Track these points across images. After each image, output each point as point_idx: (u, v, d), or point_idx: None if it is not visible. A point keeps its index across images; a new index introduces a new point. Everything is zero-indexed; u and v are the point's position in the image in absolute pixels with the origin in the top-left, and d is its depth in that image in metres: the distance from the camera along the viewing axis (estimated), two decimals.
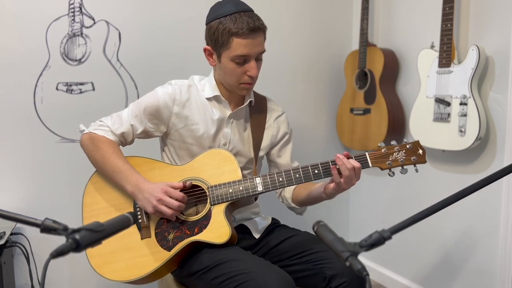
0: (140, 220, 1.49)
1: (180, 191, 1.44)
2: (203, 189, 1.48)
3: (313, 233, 0.94)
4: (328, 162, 1.42)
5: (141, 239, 1.48)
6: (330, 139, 2.73)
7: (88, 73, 2.16)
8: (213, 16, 1.46)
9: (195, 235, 1.44)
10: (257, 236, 1.61)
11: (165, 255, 1.45)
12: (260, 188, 1.45)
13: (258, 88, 1.65)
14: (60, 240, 0.75)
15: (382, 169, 1.43)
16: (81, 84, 2.16)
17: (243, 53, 1.43)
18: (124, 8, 2.20)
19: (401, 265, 2.51)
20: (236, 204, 1.51)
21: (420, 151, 1.43)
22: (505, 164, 1.90)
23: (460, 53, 2.04)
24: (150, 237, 1.47)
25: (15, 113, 2.08)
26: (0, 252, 1.83)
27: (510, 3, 1.86)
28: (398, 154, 1.42)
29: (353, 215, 2.82)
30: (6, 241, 1.84)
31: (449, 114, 1.99)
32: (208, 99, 1.57)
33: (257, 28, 1.43)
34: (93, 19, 2.16)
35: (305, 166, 1.43)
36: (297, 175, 1.43)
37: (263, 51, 1.49)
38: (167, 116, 1.54)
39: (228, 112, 1.58)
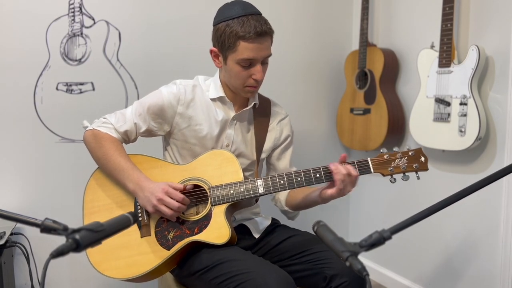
0: (140, 219, 1.49)
1: (181, 192, 1.44)
2: (204, 189, 1.48)
3: (313, 233, 0.94)
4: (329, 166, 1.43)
5: (141, 237, 1.48)
6: (330, 139, 2.73)
7: (88, 73, 2.16)
8: (221, 18, 1.46)
9: (195, 235, 1.45)
10: (257, 236, 1.61)
11: (164, 254, 1.45)
12: (261, 190, 1.45)
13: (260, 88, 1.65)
14: (60, 240, 0.75)
15: (384, 175, 1.43)
16: (81, 84, 2.16)
17: (249, 57, 1.43)
18: (124, 8, 2.20)
19: (401, 265, 2.51)
20: (236, 206, 1.51)
21: (422, 158, 1.43)
22: (505, 164, 1.90)
23: (460, 53, 2.04)
24: (150, 235, 1.48)
25: (15, 113, 2.08)
26: (0, 252, 1.83)
27: (510, 3, 1.86)
28: (400, 160, 1.43)
29: (353, 215, 2.82)
30: (6, 241, 1.84)
31: (449, 114, 1.99)
32: (213, 99, 1.57)
33: (264, 33, 1.42)
34: (93, 19, 2.16)
35: (307, 169, 1.43)
36: (299, 178, 1.43)
37: (269, 55, 1.49)
38: (171, 116, 1.54)
39: (232, 113, 1.58)
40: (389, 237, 0.85)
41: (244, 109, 1.59)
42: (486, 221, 2.02)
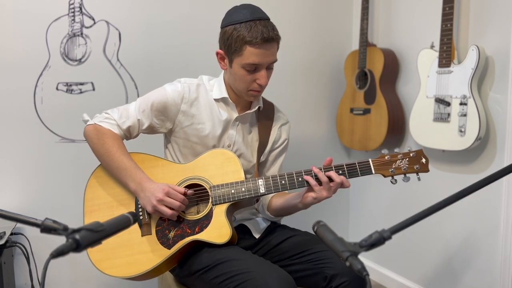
0: (141, 217, 1.49)
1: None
2: (205, 188, 1.48)
3: (313, 233, 0.94)
4: (331, 168, 1.42)
5: (142, 236, 1.48)
6: (330, 139, 2.73)
7: (88, 73, 2.16)
8: (229, 21, 1.46)
9: (196, 234, 1.45)
10: (257, 236, 1.61)
11: (165, 253, 1.45)
12: (262, 190, 1.45)
13: None
14: (60, 240, 0.75)
15: (384, 176, 1.44)
16: (81, 84, 2.16)
17: (255, 62, 1.44)
18: (124, 8, 2.20)
19: (401, 265, 2.51)
20: (237, 205, 1.51)
21: (423, 160, 1.43)
22: (505, 164, 1.90)
23: (460, 53, 2.04)
24: (150, 234, 1.48)
25: (15, 113, 2.08)
26: (0, 252, 1.83)
27: (510, 3, 1.86)
28: (401, 162, 1.43)
29: (353, 215, 2.82)
30: (6, 241, 1.83)
31: (449, 114, 1.99)
32: (216, 100, 1.57)
33: (271, 39, 1.43)
34: (93, 19, 2.16)
35: (308, 170, 1.43)
36: (300, 179, 1.43)
37: (275, 61, 1.50)
38: (174, 113, 1.54)
39: (235, 114, 1.58)
40: (389, 237, 0.85)
41: (248, 111, 1.59)
42: (486, 221, 2.02)
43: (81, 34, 2.14)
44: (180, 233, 1.46)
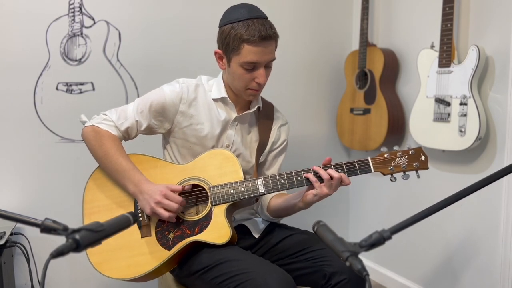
0: (140, 219, 1.49)
1: (179, 193, 1.44)
2: (204, 189, 1.48)
3: (312, 232, 0.94)
4: (330, 166, 1.42)
5: (141, 237, 1.48)
6: (330, 139, 2.73)
7: (88, 73, 2.16)
8: (226, 20, 1.46)
9: (196, 235, 1.44)
10: (256, 235, 1.61)
11: (165, 254, 1.45)
12: (261, 190, 1.45)
13: None
14: (60, 240, 0.75)
15: (384, 174, 1.44)
16: (81, 84, 2.16)
17: (253, 60, 1.43)
18: (124, 8, 2.20)
19: (401, 265, 2.51)
20: (237, 205, 1.51)
21: (423, 157, 1.43)
22: (505, 164, 1.90)
23: (460, 53, 2.04)
24: (150, 235, 1.47)
25: (15, 113, 2.08)
26: (0, 252, 1.83)
27: (510, 3, 1.86)
28: (400, 159, 1.43)
29: (353, 215, 2.82)
30: (6, 241, 1.84)
31: (449, 114, 1.99)
32: (215, 100, 1.57)
33: (268, 37, 1.43)
34: (93, 19, 2.16)
35: (307, 169, 1.43)
36: (299, 178, 1.43)
37: (273, 59, 1.49)
38: (172, 114, 1.54)
39: (234, 114, 1.58)
40: (389, 237, 0.85)
41: (247, 111, 1.59)
42: (486, 221, 2.02)
43: (81, 34, 2.14)
44: (180, 234, 1.46)
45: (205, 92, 1.58)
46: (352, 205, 2.82)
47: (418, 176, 1.44)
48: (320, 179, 1.40)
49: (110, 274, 1.46)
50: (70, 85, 2.15)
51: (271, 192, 1.46)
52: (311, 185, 1.42)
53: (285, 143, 1.70)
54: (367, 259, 2.69)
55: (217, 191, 1.46)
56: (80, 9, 2.13)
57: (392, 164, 1.43)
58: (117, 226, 0.88)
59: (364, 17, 2.44)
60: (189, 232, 1.45)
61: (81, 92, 2.17)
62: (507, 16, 1.87)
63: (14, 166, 2.10)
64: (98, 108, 2.00)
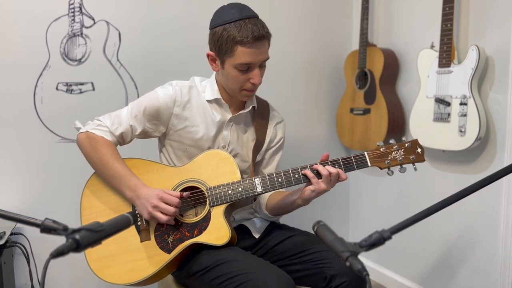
0: (139, 223, 1.49)
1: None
2: (202, 190, 1.48)
3: (313, 233, 0.94)
4: (327, 162, 1.42)
5: (141, 242, 1.48)
6: (330, 139, 2.73)
7: (88, 73, 2.16)
8: (217, 22, 1.45)
9: (195, 237, 1.44)
10: (257, 236, 1.61)
11: (165, 258, 1.44)
12: (259, 189, 1.44)
13: (258, 88, 1.65)
14: (60, 240, 0.75)
15: (381, 168, 1.43)
16: (81, 84, 2.16)
17: (247, 61, 1.42)
18: (124, 8, 2.20)
19: (401, 265, 2.51)
20: (235, 205, 1.51)
21: (419, 150, 1.43)
22: (505, 164, 1.90)
23: (460, 53, 2.04)
24: (149, 239, 1.47)
25: (15, 113, 2.08)
26: (0, 252, 1.83)
27: (510, 3, 1.86)
28: (397, 153, 1.43)
29: (353, 215, 2.82)
30: (6, 241, 1.83)
31: (449, 114, 1.99)
32: (209, 101, 1.56)
33: (262, 37, 1.41)
34: (93, 19, 2.16)
35: (304, 166, 1.43)
36: (296, 176, 1.43)
37: (267, 58, 1.48)
38: (167, 117, 1.53)
39: (229, 115, 1.57)
40: (389, 237, 0.85)
41: (242, 111, 1.58)
42: (486, 220, 2.02)
43: (81, 34, 2.14)
44: (179, 236, 1.45)
45: (198, 93, 1.57)
46: (352, 205, 2.82)
47: (415, 169, 1.44)
48: (318, 175, 1.40)
49: (111, 280, 1.46)
50: (70, 85, 2.15)
51: (269, 191, 1.45)
52: (309, 182, 1.41)
53: (281, 141, 1.70)
54: (367, 259, 2.69)
55: (215, 192, 1.46)
56: (80, 9, 2.13)
57: (389, 158, 1.42)
58: (117, 226, 0.88)
59: (364, 17, 2.44)
60: (188, 235, 1.45)
61: (81, 92, 2.17)
62: (507, 16, 1.87)
63: (14, 166, 2.09)
64: (98, 108, 2.00)
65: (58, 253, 0.77)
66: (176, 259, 1.46)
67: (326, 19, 2.65)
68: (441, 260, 2.25)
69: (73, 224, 0.86)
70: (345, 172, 1.41)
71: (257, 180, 1.45)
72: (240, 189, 1.45)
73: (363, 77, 2.48)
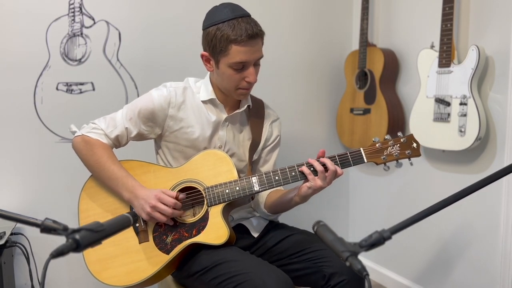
0: (137, 225, 1.49)
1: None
2: (199, 190, 1.48)
3: (312, 232, 0.94)
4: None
5: (139, 243, 1.48)
6: (330, 139, 2.73)
7: (88, 73, 2.16)
8: (210, 22, 1.45)
9: (193, 237, 1.44)
10: (255, 235, 1.61)
11: (164, 258, 1.44)
12: (256, 188, 1.45)
13: (257, 88, 1.65)
14: (60, 240, 0.75)
15: (377, 164, 1.43)
16: (81, 84, 2.16)
17: (242, 60, 1.42)
18: (124, 8, 2.20)
19: (401, 265, 2.51)
20: (233, 204, 1.51)
21: (414, 145, 1.43)
22: (505, 164, 1.90)
23: (460, 53, 2.04)
24: (148, 241, 1.47)
25: (15, 113, 2.08)
26: (0, 252, 1.83)
27: (510, 3, 1.86)
28: (392, 148, 1.43)
29: (353, 215, 2.82)
30: (6, 241, 1.83)
31: (449, 114, 1.99)
32: (204, 102, 1.56)
33: (255, 35, 1.42)
34: (93, 19, 2.16)
35: (301, 163, 1.43)
36: (293, 173, 1.43)
37: (261, 56, 1.48)
38: (162, 119, 1.53)
39: (224, 115, 1.57)
40: (389, 237, 0.85)
41: (237, 111, 1.58)
42: (486, 221, 2.01)
43: (81, 34, 2.14)
44: (178, 237, 1.45)
45: (193, 94, 1.57)
46: (352, 205, 2.82)
47: (411, 164, 1.45)
48: (315, 172, 1.39)
49: (110, 282, 1.46)
50: (70, 85, 2.15)
51: (266, 189, 1.45)
52: (306, 179, 1.41)
53: (278, 139, 1.70)
54: (367, 259, 2.69)
55: (212, 192, 1.46)
56: (80, 9, 2.13)
57: (385, 153, 1.42)
58: (117, 226, 0.88)
59: (364, 17, 2.44)
60: (186, 235, 1.45)
61: (81, 92, 2.17)
62: (507, 16, 1.87)
63: (14, 166, 2.09)
64: (98, 108, 2.00)
65: (58, 253, 0.77)
66: (175, 260, 1.46)
67: (326, 19, 2.65)
68: (441, 260, 2.25)
69: (72, 224, 0.86)
70: (342, 168, 1.41)
71: (254, 179, 1.45)
72: (237, 188, 1.45)
73: (363, 77, 2.48)
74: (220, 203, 1.45)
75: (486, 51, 1.92)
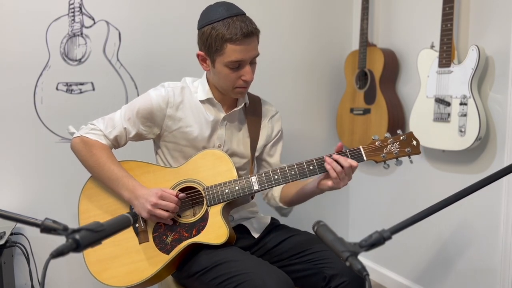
0: (137, 225, 1.49)
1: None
2: (199, 190, 1.48)
3: (313, 233, 0.94)
4: (323, 158, 1.42)
5: (139, 243, 1.48)
6: (330, 139, 2.73)
7: (88, 73, 2.16)
8: (205, 21, 1.44)
9: (193, 237, 1.44)
10: (256, 235, 1.61)
11: (164, 259, 1.44)
12: (256, 187, 1.45)
13: (257, 88, 1.65)
14: (60, 240, 0.75)
15: (376, 162, 1.43)
16: (81, 84, 2.16)
17: (238, 59, 1.42)
18: (124, 8, 2.20)
19: (401, 265, 2.51)
20: (232, 204, 1.51)
21: (414, 142, 1.43)
22: (505, 164, 1.90)
23: (460, 53, 2.04)
24: (148, 241, 1.47)
25: (15, 113, 2.08)
26: (0, 252, 1.83)
27: (510, 3, 1.86)
28: (392, 146, 1.43)
29: (353, 215, 2.82)
30: (6, 241, 1.83)
31: (449, 114, 1.99)
32: (202, 101, 1.56)
33: (250, 33, 1.41)
34: (93, 19, 2.16)
35: (300, 162, 1.43)
36: (292, 172, 1.43)
37: (257, 55, 1.48)
38: (160, 119, 1.53)
39: (222, 114, 1.57)
40: (389, 237, 0.85)
41: (234, 109, 1.58)
42: (486, 221, 2.01)
43: (81, 34, 2.14)
44: (178, 237, 1.45)
45: (191, 94, 1.57)
46: (352, 205, 2.82)
47: (411, 161, 1.44)
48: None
49: (110, 282, 1.46)
50: (70, 85, 2.15)
51: (266, 188, 1.46)
52: (327, 174, 1.41)
53: (280, 133, 1.70)
54: (367, 259, 2.69)
55: (212, 192, 1.46)
56: (80, 9, 2.13)
57: (384, 151, 1.42)
58: (117, 225, 0.88)
59: (364, 17, 2.44)
60: (186, 235, 1.45)
61: (81, 92, 2.17)
62: (507, 16, 1.87)
63: (14, 166, 2.09)
64: (98, 108, 2.00)
65: (58, 253, 0.77)
66: (175, 260, 1.46)
67: (326, 19, 2.65)
68: (441, 260, 2.25)
69: (73, 224, 0.86)
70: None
71: (253, 178, 1.45)
72: (237, 187, 1.45)
73: (363, 77, 2.48)
74: (219, 202, 1.45)
75: (486, 51, 1.92)
